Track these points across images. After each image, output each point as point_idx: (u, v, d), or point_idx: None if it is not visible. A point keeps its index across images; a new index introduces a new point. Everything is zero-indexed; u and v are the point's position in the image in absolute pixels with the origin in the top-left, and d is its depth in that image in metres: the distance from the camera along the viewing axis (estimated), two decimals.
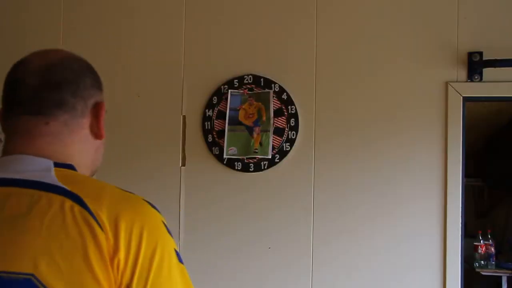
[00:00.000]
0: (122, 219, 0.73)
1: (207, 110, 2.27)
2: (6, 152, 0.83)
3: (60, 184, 0.75)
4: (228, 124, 2.23)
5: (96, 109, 0.93)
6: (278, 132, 2.22)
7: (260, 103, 2.20)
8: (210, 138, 2.25)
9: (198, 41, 2.31)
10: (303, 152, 2.21)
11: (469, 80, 2.15)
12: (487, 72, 2.12)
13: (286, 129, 2.22)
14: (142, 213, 0.78)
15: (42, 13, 2.39)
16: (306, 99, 2.23)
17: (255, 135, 2.19)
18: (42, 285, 0.69)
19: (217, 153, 2.24)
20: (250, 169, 2.22)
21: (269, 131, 2.19)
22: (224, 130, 2.24)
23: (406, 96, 2.18)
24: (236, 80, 2.26)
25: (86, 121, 0.91)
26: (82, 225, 0.71)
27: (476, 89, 2.14)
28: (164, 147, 2.28)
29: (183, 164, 2.27)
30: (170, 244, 0.76)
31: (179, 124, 2.28)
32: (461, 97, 2.14)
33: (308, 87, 2.23)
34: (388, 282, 2.14)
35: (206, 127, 2.26)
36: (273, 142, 2.21)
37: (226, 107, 2.25)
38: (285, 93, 2.23)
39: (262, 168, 2.22)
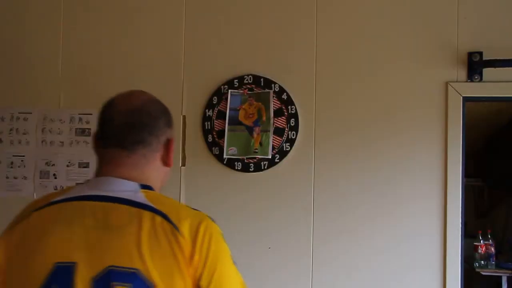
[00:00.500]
0: (196, 230, 1.00)
1: (207, 110, 2.27)
2: (97, 174, 1.13)
3: (149, 203, 1.01)
4: (228, 124, 2.23)
5: (167, 144, 1.14)
6: (278, 132, 2.22)
7: (260, 103, 2.21)
8: (210, 138, 2.26)
9: (198, 41, 2.31)
10: (303, 152, 2.21)
11: (469, 80, 2.15)
12: (487, 72, 2.13)
13: (286, 129, 2.22)
14: (209, 227, 1.04)
15: (42, 13, 2.40)
16: (306, 99, 2.23)
17: (255, 135, 2.19)
18: (144, 277, 0.95)
19: (217, 153, 2.24)
20: (250, 169, 2.22)
21: (269, 131, 2.19)
22: (224, 130, 2.24)
23: (406, 96, 2.18)
24: (236, 80, 2.26)
25: (158, 154, 1.12)
26: (169, 234, 0.97)
27: (476, 89, 2.14)
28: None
29: (183, 164, 2.27)
30: (227, 250, 1.05)
31: (179, 124, 2.28)
32: (461, 97, 2.14)
33: (308, 87, 2.23)
34: (388, 282, 2.14)
35: (206, 127, 2.27)
36: (273, 142, 2.21)
37: (226, 107, 2.25)
38: (285, 93, 2.23)
39: (262, 168, 2.22)
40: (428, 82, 2.17)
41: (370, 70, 2.20)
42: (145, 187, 1.07)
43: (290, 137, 2.22)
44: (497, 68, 2.10)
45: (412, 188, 2.15)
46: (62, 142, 2.34)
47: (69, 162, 2.33)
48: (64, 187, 1.19)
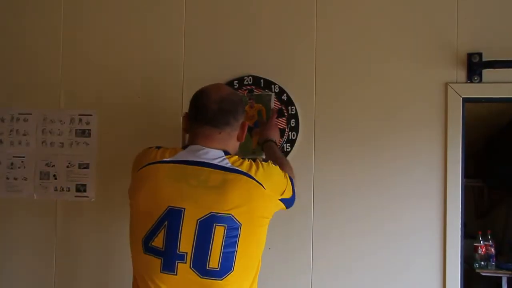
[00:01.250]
0: (268, 177, 1.51)
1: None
2: (192, 144, 1.55)
3: (234, 167, 1.48)
4: None
5: (242, 126, 1.62)
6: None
7: (260, 105, 2.21)
8: None
9: (197, 42, 2.31)
10: (304, 152, 2.21)
11: (468, 81, 2.15)
12: (487, 73, 2.13)
13: (287, 130, 2.23)
14: (271, 170, 1.57)
15: (42, 14, 2.40)
16: (306, 99, 2.23)
17: (254, 135, 2.19)
18: (235, 218, 1.42)
19: None
20: None
21: None
22: None
23: (406, 97, 2.18)
24: (236, 81, 2.26)
25: (236, 133, 1.61)
26: (252, 186, 1.46)
27: (476, 90, 2.14)
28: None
29: None
30: (280, 172, 1.63)
31: (179, 125, 2.28)
32: (461, 98, 2.14)
33: (308, 88, 2.23)
34: (388, 282, 2.14)
35: None
36: None
37: None
38: (285, 94, 2.23)
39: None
40: (427, 83, 2.17)
41: (369, 70, 2.21)
42: (227, 153, 1.53)
43: (290, 137, 2.22)
44: (496, 69, 2.10)
45: (411, 189, 2.15)
46: (62, 143, 2.34)
47: (69, 163, 2.33)
48: (169, 149, 1.57)
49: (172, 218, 1.42)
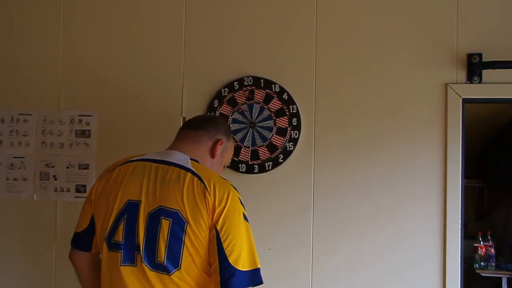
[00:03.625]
0: (219, 190, 1.45)
1: (208, 113, 2.27)
2: (171, 148, 1.64)
3: (192, 168, 1.50)
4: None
5: (217, 141, 1.67)
6: (281, 132, 2.22)
7: None
8: None
9: (197, 42, 2.31)
10: (307, 151, 2.22)
11: (468, 82, 2.15)
12: (487, 73, 2.13)
13: (289, 128, 2.23)
14: (229, 189, 1.48)
15: (42, 14, 2.40)
16: (306, 99, 2.23)
17: None
18: (182, 215, 1.42)
19: None
20: (255, 171, 2.23)
21: None
22: None
23: (406, 98, 2.18)
24: (236, 82, 2.26)
25: (210, 143, 1.66)
26: (201, 191, 1.44)
27: (476, 91, 2.15)
28: (164, 149, 2.28)
29: None
30: (241, 208, 1.48)
31: (179, 125, 2.28)
32: (461, 99, 2.14)
33: (307, 88, 2.23)
34: (388, 283, 2.14)
35: None
36: (276, 142, 2.22)
37: (228, 110, 2.26)
38: (285, 93, 2.23)
39: (267, 169, 2.22)
40: (427, 84, 2.18)
41: (369, 71, 2.21)
42: (193, 159, 1.55)
43: (293, 136, 2.22)
44: (496, 70, 2.10)
45: (412, 189, 2.15)
46: (62, 144, 2.35)
47: (69, 164, 2.34)
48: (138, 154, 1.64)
49: (130, 211, 1.48)
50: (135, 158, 1.59)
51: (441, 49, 2.18)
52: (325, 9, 2.25)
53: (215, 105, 2.27)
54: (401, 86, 2.19)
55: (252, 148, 2.24)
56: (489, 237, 4.13)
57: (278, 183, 2.22)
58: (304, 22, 2.26)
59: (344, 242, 2.18)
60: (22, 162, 2.36)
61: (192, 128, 1.67)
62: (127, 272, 1.45)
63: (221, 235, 1.41)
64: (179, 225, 1.42)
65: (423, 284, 2.12)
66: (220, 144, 1.66)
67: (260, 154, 2.23)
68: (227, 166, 2.24)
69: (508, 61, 2.07)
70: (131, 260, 1.45)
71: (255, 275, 1.44)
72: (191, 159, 1.54)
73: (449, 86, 2.16)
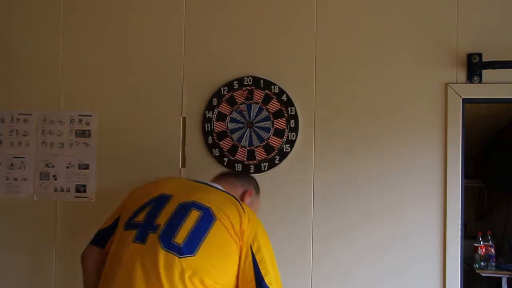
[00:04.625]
0: (252, 216, 1.60)
1: (207, 112, 2.27)
2: (214, 180, 1.81)
3: (229, 192, 1.67)
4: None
5: (246, 191, 1.83)
6: (278, 133, 2.22)
7: None
8: (210, 140, 2.26)
9: (197, 43, 2.31)
10: (303, 153, 2.22)
11: (468, 82, 2.15)
12: (487, 73, 2.13)
13: (286, 130, 2.23)
14: (260, 224, 1.63)
15: (42, 14, 2.40)
16: (306, 100, 2.23)
17: None
18: (213, 212, 1.53)
19: (217, 154, 2.25)
20: (250, 171, 2.23)
21: None
22: (224, 132, 2.25)
23: (406, 98, 2.18)
24: (236, 82, 2.26)
25: (241, 191, 1.82)
26: (235, 206, 1.58)
27: (476, 91, 2.15)
28: (164, 149, 2.28)
29: (183, 166, 2.28)
30: (269, 244, 1.61)
31: (179, 125, 2.29)
32: (461, 99, 2.14)
33: (307, 88, 2.23)
34: (387, 283, 2.14)
35: (206, 129, 2.27)
36: (273, 143, 2.22)
37: (226, 108, 2.26)
38: (285, 95, 2.23)
39: (262, 169, 2.22)
40: (427, 84, 2.18)
41: (369, 71, 2.21)
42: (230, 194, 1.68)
43: (290, 138, 2.22)
44: (496, 70, 2.10)
45: (411, 189, 2.15)
46: (62, 144, 2.35)
47: (69, 164, 2.33)
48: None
49: (159, 201, 1.58)
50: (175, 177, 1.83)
51: (441, 49, 2.18)
52: (325, 9, 2.25)
53: (214, 104, 2.27)
54: (401, 86, 2.19)
55: (248, 148, 2.24)
56: (489, 237, 4.13)
57: (274, 184, 2.22)
58: (304, 22, 2.26)
59: (344, 242, 2.18)
60: (22, 162, 2.36)
61: (227, 174, 1.87)
62: (134, 250, 1.49)
63: (256, 256, 1.53)
64: (207, 219, 1.51)
65: (423, 284, 2.12)
66: (249, 195, 1.81)
67: (256, 155, 2.24)
68: (225, 166, 2.25)
69: (508, 61, 2.07)
70: (142, 238, 1.50)
71: None
72: (227, 192, 1.69)
73: (449, 86, 2.16)
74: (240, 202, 1.62)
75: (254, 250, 1.52)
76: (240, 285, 1.52)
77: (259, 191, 1.93)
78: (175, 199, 1.57)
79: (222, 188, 1.69)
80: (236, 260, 1.51)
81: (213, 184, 1.72)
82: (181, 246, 1.46)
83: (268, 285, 1.50)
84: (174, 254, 1.45)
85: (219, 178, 1.83)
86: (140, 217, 1.56)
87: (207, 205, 1.54)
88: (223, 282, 1.49)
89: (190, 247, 1.46)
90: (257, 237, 1.55)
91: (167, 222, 1.51)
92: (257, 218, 1.63)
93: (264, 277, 1.50)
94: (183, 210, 1.53)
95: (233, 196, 1.64)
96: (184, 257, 1.45)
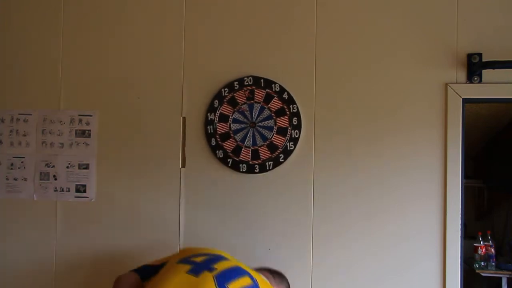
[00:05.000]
0: None
1: (209, 114, 2.27)
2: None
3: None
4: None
5: None
6: (281, 131, 2.22)
7: None
8: (213, 142, 2.25)
9: (197, 43, 2.31)
10: (307, 150, 2.22)
11: (468, 82, 2.15)
12: (487, 73, 2.13)
13: (289, 128, 2.23)
14: None
15: (42, 14, 2.40)
16: (307, 98, 2.23)
17: None
18: (254, 279, 1.61)
19: (221, 156, 2.24)
20: (255, 170, 2.23)
21: None
22: (227, 133, 2.25)
23: (406, 97, 2.18)
24: (236, 82, 2.26)
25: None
26: None
27: (476, 91, 2.15)
28: (164, 149, 2.28)
29: (183, 166, 2.28)
30: None
31: (179, 125, 2.29)
32: (461, 99, 2.14)
33: (307, 89, 2.23)
34: (388, 283, 2.14)
35: (209, 131, 2.26)
36: (276, 141, 2.22)
37: (228, 110, 2.26)
38: (286, 93, 2.23)
39: (267, 168, 2.22)
40: (427, 84, 2.18)
41: (369, 72, 2.21)
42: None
43: (293, 136, 2.22)
44: (496, 70, 2.10)
45: (412, 189, 2.15)
46: (62, 144, 2.35)
47: (69, 164, 2.34)
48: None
49: (217, 257, 1.68)
50: None
51: (441, 49, 2.18)
52: (325, 9, 2.25)
53: (216, 105, 2.27)
54: (401, 86, 2.19)
55: (252, 148, 2.24)
56: (489, 237, 4.12)
57: (279, 182, 2.22)
58: (304, 22, 2.26)
59: (344, 242, 2.18)
60: (22, 162, 2.36)
61: (265, 270, 1.90)
62: (187, 279, 1.54)
63: None
64: None
65: (423, 284, 2.12)
66: None
67: (260, 154, 2.24)
68: (229, 167, 2.25)
69: (508, 61, 2.07)
70: (196, 273, 1.56)
71: None
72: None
73: (449, 86, 2.16)
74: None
75: None
76: None
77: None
78: (233, 262, 1.68)
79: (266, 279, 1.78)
80: None
81: (259, 273, 1.78)
82: None
83: None
84: None
85: (259, 270, 1.87)
86: (198, 259, 1.64)
87: (258, 283, 1.62)
88: None
89: None
90: None
91: (224, 270, 1.58)
92: None
93: None
94: (240, 271, 1.62)
95: None
96: None
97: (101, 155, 2.32)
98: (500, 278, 3.97)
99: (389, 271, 2.15)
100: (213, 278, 1.53)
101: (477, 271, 4.00)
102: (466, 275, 2.22)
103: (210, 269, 1.57)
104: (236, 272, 1.60)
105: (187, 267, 1.59)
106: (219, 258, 1.67)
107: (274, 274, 1.93)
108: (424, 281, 2.13)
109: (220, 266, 1.60)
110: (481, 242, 4.08)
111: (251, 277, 1.62)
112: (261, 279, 1.69)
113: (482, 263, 4.04)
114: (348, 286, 2.16)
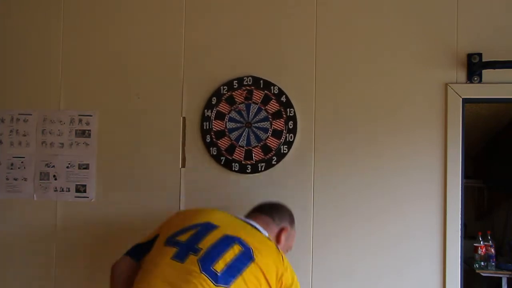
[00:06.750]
0: (291, 269, 1.67)
1: (206, 111, 2.27)
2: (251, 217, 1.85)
3: (270, 238, 1.75)
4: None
5: (281, 229, 1.85)
6: (276, 134, 2.22)
7: None
8: (208, 139, 2.26)
9: (197, 43, 2.31)
10: (302, 154, 2.22)
11: (468, 82, 2.15)
12: (487, 73, 2.13)
13: (284, 131, 2.23)
14: (295, 276, 1.68)
15: (42, 14, 2.40)
16: (306, 100, 2.23)
17: None
18: (253, 253, 1.57)
19: (215, 153, 2.25)
20: (247, 171, 2.23)
21: None
22: (223, 131, 2.25)
23: (406, 98, 2.18)
24: (236, 81, 2.26)
25: (276, 230, 1.85)
26: (276, 254, 1.64)
27: (476, 91, 2.15)
28: (164, 148, 2.28)
29: (183, 165, 2.28)
30: (296, 278, 1.68)
31: (179, 125, 2.29)
32: (461, 99, 2.14)
33: (307, 89, 2.23)
34: (387, 283, 2.14)
35: (205, 127, 2.27)
36: (270, 144, 2.22)
37: (225, 108, 2.26)
38: (284, 96, 2.23)
39: (259, 169, 2.22)
40: (427, 84, 2.18)
41: (369, 71, 2.21)
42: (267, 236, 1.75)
43: (288, 139, 2.22)
44: (496, 70, 2.10)
45: (411, 189, 2.15)
46: (62, 144, 2.35)
47: (69, 164, 2.34)
48: None
49: (206, 227, 1.63)
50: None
51: (441, 49, 2.18)
52: (325, 9, 2.25)
53: (213, 102, 2.27)
54: (401, 86, 2.19)
55: (246, 148, 2.24)
56: (489, 237, 4.13)
57: (270, 184, 2.22)
58: (304, 22, 2.26)
59: (343, 242, 2.18)
60: (22, 162, 2.36)
61: (260, 212, 1.86)
62: (172, 266, 1.52)
63: None
64: (247, 256, 1.55)
65: (423, 284, 2.12)
66: (285, 232, 1.85)
67: (254, 155, 2.24)
68: (222, 165, 2.24)
69: (508, 61, 2.07)
70: (181, 257, 1.54)
71: None
72: (269, 239, 1.73)
73: (449, 86, 2.16)
74: (281, 252, 1.67)
75: None
76: None
77: (293, 221, 1.94)
78: (221, 229, 1.62)
79: (263, 230, 1.75)
80: None
81: (256, 225, 1.75)
82: (218, 274, 1.49)
83: None
84: (210, 280, 1.48)
85: (256, 216, 1.84)
86: (183, 237, 1.60)
87: (249, 245, 1.58)
88: None
89: (226, 278, 1.49)
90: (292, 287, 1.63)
91: (209, 248, 1.55)
92: (292, 269, 1.67)
93: None
94: (227, 240, 1.58)
95: (275, 244, 1.70)
96: (219, 286, 1.48)
97: (101, 155, 2.32)
98: (500, 278, 3.98)
99: (389, 271, 2.15)
100: (197, 262, 1.51)
101: (477, 271, 4.00)
102: (466, 275, 2.22)
103: (195, 251, 1.54)
104: (223, 245, 1.56)
105: (173, 250, 1.56)
106: (207, 229, 1.62)
107: (273, 213, 1.87)
108: (424, 281, 2.13)
109: (206, 243, 1.56)
110: (481, 242, 4.09)
111: (241, 243, 1.58)
112: (256, 237, 1.65)
113: (482, 263, 4.04)
114: (348, 286, 2.16)
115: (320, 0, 2.26)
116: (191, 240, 1.58)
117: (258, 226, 1.75)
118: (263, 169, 2.22)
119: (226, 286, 1.48)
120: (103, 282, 2.27)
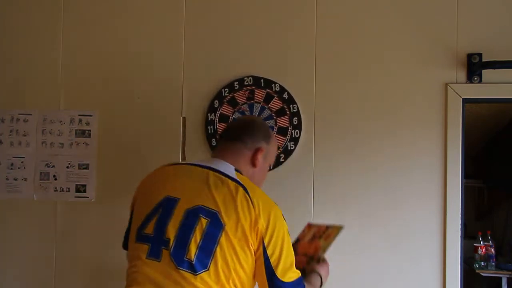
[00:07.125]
0: (263, 207, 1.43)
1: (209, 114, 2.27)
2: (214, 157, 1.62)
3: (237, 179, 1.48)
4: None
5: (257, 150, 1.61)
6: (282, 131, 2.22)
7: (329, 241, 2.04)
8: (214, 142, 2.25)
9: (197, 43, 2.31)
10: (307, 150, 2.22)
11: (468, 82, 2.15)
12: (487, 73, 2.13)
13: (290, 128, 2.23)
14: (273, 207, 1.47)
15: (42, 14, 2.40)
16: (306, 100, 2.23)
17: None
18: (220, 217, 1.41)
19: None
20: None
21: None
22: None
23: (406, 98, 2.18)
24: (236, 82, 2.26)
25: (249, 154, 1.61)
26: (245, 200, 1.43)
27: (476, 91, 2.15)
28: (164, 149, 2.28)
29: None
30: (284, 225, 1.48)
31: (179, 125, 2.29)
32: (461, 99, 2.15)
33: (307, 89, 2.23)
34: (387, 283, 2.14)
35: (209, 131, 2.26)
36: (277, 141, 2.22)
37: (228, 110, 2.26)
38: (286, 92, 2.23)
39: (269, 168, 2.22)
40: (427, 84, 2.18)
41: (369, 71, 2.21)
42: (237, 170, 1.53)
43: (294, 135, 2.22)
44: (496, 70, 2.10)
45: (411, 189, 2.16)
46: (62, 144, 2.35)
47: (69, 164, 2.34)
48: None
49: (166, 206, 1.48)
50: (181, 162, 1.73)
51: (441, 49, 2.18)
52: (325, 9, 2.25)
53: (216, 106, 2.27)
54: (401, 86, 2.19)
55: None
56: (489, 237, 4.13)
57: (280, 182, 2.21)
58: (304, 22, 2.26)
59: (344, 242, 2.17)
60: (22, 162, 2.36)
61: (229, 139, 1.62)
62: (151, 267, 1.42)
63: (268, 252, 1.42)
64: (216, 226, 1.40)
65: (423, 283, 2.12)
66: (261, 152, 1.61)
67: None
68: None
69: (508, 61, 2.07)
70: (156, 255, 1.43)
71: (300, 283, 1.48)
72: (235, 169, 1.52)
73: (449, 86, 2.16)
74: (250, 195, 1.44)
75: (265, 244, 1.42)
76: (256, 279, 1.47)
77: (270, 135, 1.68)
78: (182, 203, 1.45)
79: (231, 169, 1.53)
80: (251, 263, 1.44)
81: (219, 169, 1.52)
82: (193, 262, 1.38)
83: (280, 278, 1.43)
84: (188, 272, 1.38)
85: (222, 149, 1.62)
86: (150, 229, 1.46)
87: (215, 209, 1.42)
88: (243, 285, 1.45)
89: (202, 261, 1.39)
90: (268, 229, 1.43)
91: (176, 236, 1.42)
92: (268, 202, 1.47)
93: (275, 270, 1.42)
94: (191, 218, 1.43)
95: (241, 185, 1.46)
96: (199, 273, 1.38)
97: (101, 155, 2.32)
98: (500, 278, 3.98)
99: (389, 271, 2.15)
100: (171, 258, 1.40)
101: (477, 271, 4.00)
102: (466, 275, 2.22)
103: (165, 244, 1.42)
104: (188, 225, 1.42)
105: (145, 248, 1.44)
106: (168, 210, 1.46)
107: (243, 136, 1.62)
108: (424, 281, 2.13)
109: (172, 230, 1.42)
110: (481, 242, 4.09)
111: (205, 212, 1.41)
112: (221, 191, 1.44)
113: (482, 263, 4.04)
114: (348, 286, 2.16)
115: (320, 0, 2.26)
116: (157, 230, 1.45)
117: (222, 169, 1.51)
118: (271, 167, 2.22)
119: (205, 270, 1.38)
120: (103, 282, 2.27)
